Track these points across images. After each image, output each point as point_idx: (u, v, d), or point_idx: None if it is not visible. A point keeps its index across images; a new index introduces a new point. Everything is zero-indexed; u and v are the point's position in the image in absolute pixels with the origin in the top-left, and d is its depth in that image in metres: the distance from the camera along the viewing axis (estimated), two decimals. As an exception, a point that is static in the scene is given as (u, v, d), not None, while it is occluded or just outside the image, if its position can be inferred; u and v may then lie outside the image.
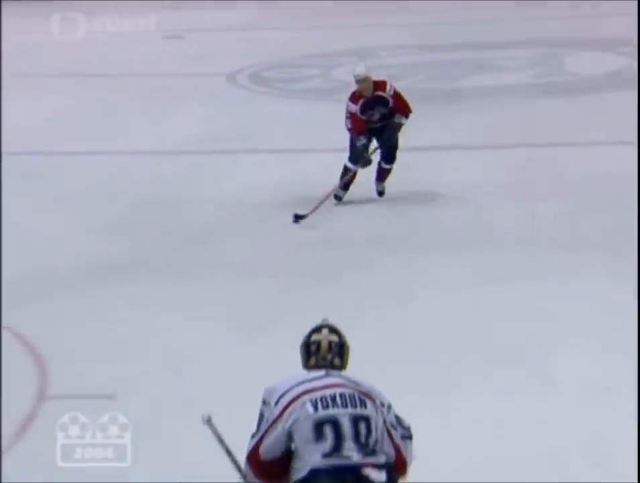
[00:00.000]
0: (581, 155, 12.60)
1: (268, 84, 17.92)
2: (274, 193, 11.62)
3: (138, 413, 6.70)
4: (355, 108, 10.49)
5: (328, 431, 4.22)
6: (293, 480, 4.29)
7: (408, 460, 4.42)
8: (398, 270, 9.12)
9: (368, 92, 10.48)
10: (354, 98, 10.59)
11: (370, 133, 10.64)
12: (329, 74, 18.30)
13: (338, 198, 11.05)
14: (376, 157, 10.99)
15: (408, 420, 4.63)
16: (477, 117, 14.30)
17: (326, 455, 4.17)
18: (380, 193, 11.18)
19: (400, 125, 10.70)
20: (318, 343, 4.64)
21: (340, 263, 9.43)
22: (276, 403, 4.38)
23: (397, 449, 4.35)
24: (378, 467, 4.18)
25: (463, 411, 6.76)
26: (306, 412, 4.27)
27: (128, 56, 20.29)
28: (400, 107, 10.61)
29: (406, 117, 10.64)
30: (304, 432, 4.25)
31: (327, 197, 10.78)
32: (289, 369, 4.75)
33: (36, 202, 11.67)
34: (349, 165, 10.88)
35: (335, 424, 4.23)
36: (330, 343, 4.64)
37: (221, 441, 4.58)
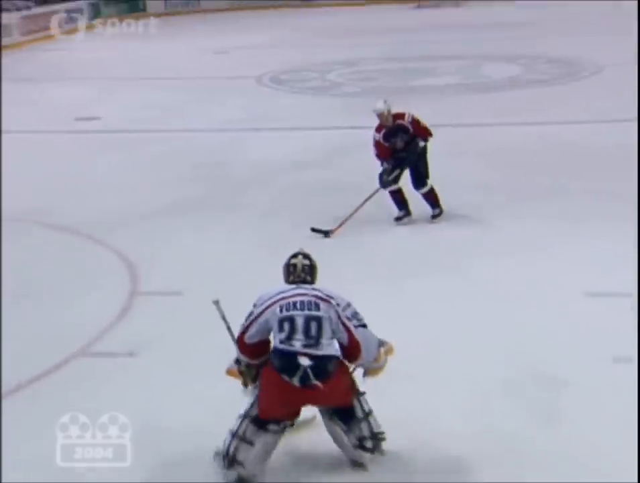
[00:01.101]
0: (495, 132, 12.51)
1: (283, 83, 17.68)
2: (287, 157, 11.52)
3: (198, 306, 6.68)
4: (378, 136, 8.33)
5: (286, 326, 4.25)
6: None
7: (360, 340, 4.37)
8: (371, 212, 8.94)
9: (388, 123, 8.28)
10: (378, 128, 8.40)
11: (400, 160, 8.35)
12: (324, 77, 18.07)
13: (399, 218, 8.65)
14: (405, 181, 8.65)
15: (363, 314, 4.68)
16: (424, 105, 14.10)
17: (281, 342, 4.24)
18: (434, 216, 8.62)
19: (423, 148, 8.36)
20: (295, 265, 4.61)
21: (330, 206, 9.24)
22: (260, 306, 4.41)
23: (349, 332, 4.32)
24: (310, 356, 4.18)
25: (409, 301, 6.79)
26: (275, 313, 4.30)
27: (190, 65, 20.06)
28: (420, 132, 8.28)
29: (426, 140, 8.33)
30: (274, 327, 4.30)
31: (350, 216, 8.47)
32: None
33: (131, 164, 11.71)
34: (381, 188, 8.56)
35: (292, 321, 4.25)
36: (303, 266, 4.60)
37: (224, 319, 4.58)
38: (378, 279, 7.20)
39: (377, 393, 4.62)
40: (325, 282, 4.74)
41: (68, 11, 25.22)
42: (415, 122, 8.33)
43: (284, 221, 8.91)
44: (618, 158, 10.46)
